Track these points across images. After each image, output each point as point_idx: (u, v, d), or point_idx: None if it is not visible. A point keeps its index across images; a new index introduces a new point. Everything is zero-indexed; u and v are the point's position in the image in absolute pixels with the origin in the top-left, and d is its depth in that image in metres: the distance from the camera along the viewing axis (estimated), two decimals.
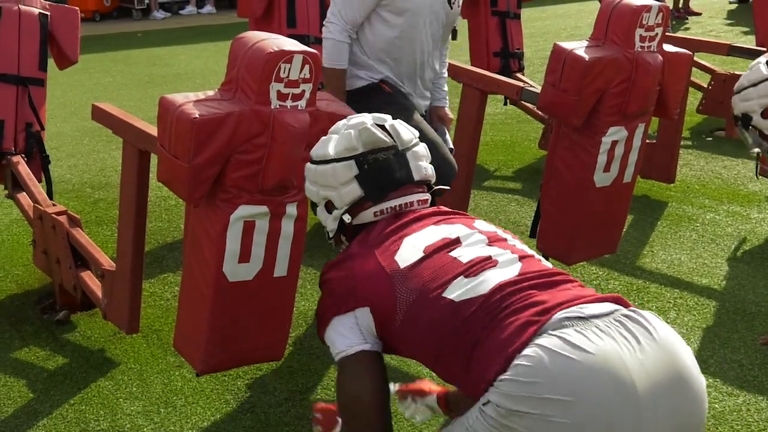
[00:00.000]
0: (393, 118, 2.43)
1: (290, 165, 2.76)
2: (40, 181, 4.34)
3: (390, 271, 2.06)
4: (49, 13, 4.46)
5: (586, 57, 3.56)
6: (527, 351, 1.78)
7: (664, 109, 3.92)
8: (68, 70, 4.79)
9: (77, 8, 4.70)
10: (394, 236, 2.15)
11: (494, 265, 2.01)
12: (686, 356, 1.84)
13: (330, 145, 2.30)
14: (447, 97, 3.87)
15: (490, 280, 1.96)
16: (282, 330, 3.09)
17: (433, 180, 2.39)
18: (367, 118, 2.35)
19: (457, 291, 1.96)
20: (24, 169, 4.26)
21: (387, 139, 2.29)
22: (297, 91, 2.76)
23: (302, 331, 3.80)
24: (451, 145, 3.83)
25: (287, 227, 2.88)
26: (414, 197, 2.28)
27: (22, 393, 3.39)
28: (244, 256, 2.86)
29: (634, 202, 5.30)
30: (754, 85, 3.55)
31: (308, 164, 2.36)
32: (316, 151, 2.35)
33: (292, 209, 2.86)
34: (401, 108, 3.47)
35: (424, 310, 1.99)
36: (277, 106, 2.73)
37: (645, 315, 1.87)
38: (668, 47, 3.83)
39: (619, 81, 3.63)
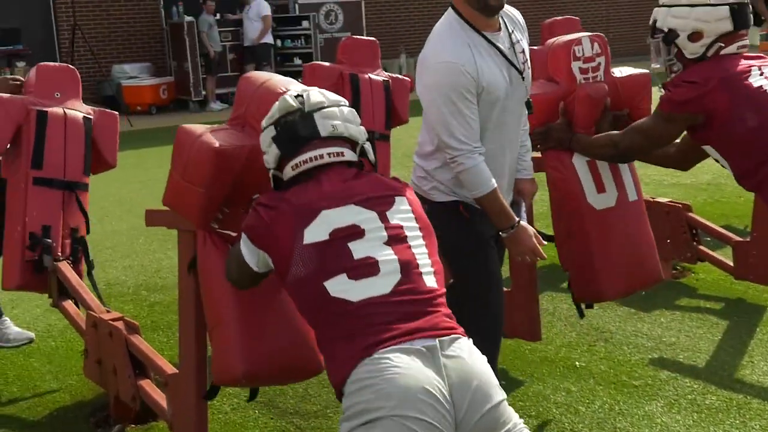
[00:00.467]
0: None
1: None
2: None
3: (295, 243, 2.53)
4: (92, 117, 4.54)
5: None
6: (350, 383, 2.36)
7: None
8: (125, 164, 4.85)
9: (116, 113, 4.77)
10: (317, 203, 2.57)
11: (375, 274, 2.47)
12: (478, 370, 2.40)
13: (264, 119, 2.82)
14: (531, 169, 3.70)
15: (364, 291, 2.45)
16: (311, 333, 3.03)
17: (359, 136, 2.78)
18: (291, 93, 2.83)
19: (336, 287, 2.46)
20: (72, 275, 4.28)
21: (295, 104, 2.75)
22: None
23: None
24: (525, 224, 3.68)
25: None
26: (323, 150, 2.70)
27: None
28: None
29: (729, 307, 5.17)
30: (692, 5, 3.57)
31: None
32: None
33: None
34: (478, 237, 3.38)
35: (307, 287, 2.51)
36: None
37: (455, 346, 2.41)
38: (625, 71, 4.04)
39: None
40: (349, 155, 2.74)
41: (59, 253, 4.36)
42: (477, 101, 3.26)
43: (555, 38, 4.01)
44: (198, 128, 3.08)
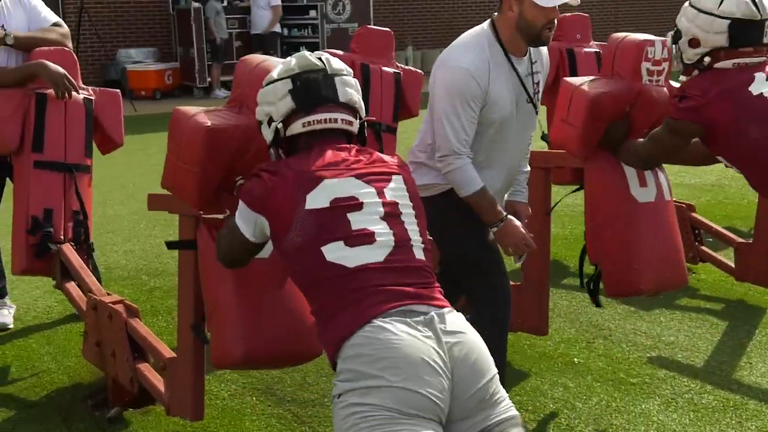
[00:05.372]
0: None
1: None
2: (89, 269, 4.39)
3: (296, 208, 2.57)
4: (93, 98, 4.57)
5: (590, 92, 3.84)
6: (347, 347, 2.42)
7: None
8: (128, 149, 4.88)
9: (118, 91, 4.82)
10: (319, 172, 2.61)
11: (370, 243, 2.54)
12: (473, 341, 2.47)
13: (275, 71, 2.82)
14: (527, 193, 3.92)
15: (359, 257, 2.51)
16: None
17: (362, 111, 2.84)
18: (308, 52, 2.86)
19: (333, 253, 2.51)
20: (75, 257, 4.31)
21: (318, 63, 2.77)
22: None
23: None
24: None
25: None
26: (338, 115, 2.74)
27: None
28: None
29: (729, 308, 5.20)
30: (699, 11, 3.59)
31: (260, 90, 2.86)
32: (265, 79, 2.86)
33: None
34: (474, 220, 3.54)
35: (304, 252, 2.55)
36: None
37: (447, 318, 2.47)
38: (676, 84, 4.02)
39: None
40: (356, 127, 2.79)
41: (61, 236, 4.40)
42: (478, 113, 3.50)
43: (624, 34, 4.03)
44: (192, 109, 3.16)
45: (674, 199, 5.57)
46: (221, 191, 3.14)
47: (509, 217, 3.48)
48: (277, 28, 15.74)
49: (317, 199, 2.57)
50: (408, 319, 2.42)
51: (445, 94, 3.49)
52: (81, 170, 4.51)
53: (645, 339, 4.76)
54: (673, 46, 3.73)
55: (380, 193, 2.63)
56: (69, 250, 4.37)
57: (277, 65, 2.94)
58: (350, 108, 2.78)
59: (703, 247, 5.55)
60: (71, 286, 4.37)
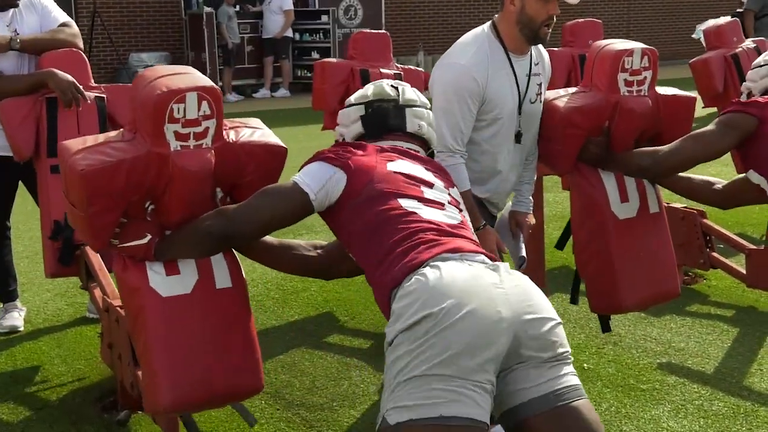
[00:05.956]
0: None
1: (193, 205, 2.83)
2: (110, 271, 4.39)
3: (376, 168, 2.70)
4: (105, 95, 4.55)
5: (561, 106, 3.72)
6: (406, 286, 2.44)
7: None
8: None
9: (130, 85, 4.79)
10: (396, 155, 2.80)
11: (441, 209, 2.68)
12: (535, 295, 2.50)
13: (353, 95, 3.00)
14: (530, 203, 3.91)
15: (431, 214, 2.63)
16: (248, 350, 2.96)
17: (433, 143, 3.02)
18: (387, 81, 3.02)
19: (409, 203, 2.63)
20: (96, 259, 4.31)
21: (392, 93, 2.94)
22: (199, 129, 2.81)
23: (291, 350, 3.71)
24: (523, 253, 3.82)
25: None
26: (405, 144, 2.90)
27: None
28: (171, 269, 2.85)
29: (740, 314, 5.18)
30: (760, 65, 4.07)
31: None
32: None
33: None
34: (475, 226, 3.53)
35: (380, 200, 2.63)
36: (178, 148, 2.77)
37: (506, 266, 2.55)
38: (670, 90, 3.93)
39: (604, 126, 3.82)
40: (422, 153, 2.97)
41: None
42: (477, 111, 3.49)
43: (606, 42, 3.87)
44: (75, 144, 2.82)
45: (686, 205, 5.61)
46: (132, 220, 2.88)
47: (487, 227, 3.45)
48: (289, 33, 15.78)
49: (397, 167, 2.74)
50: (466, 261, 2.47)
51: (443, 92, 3.50)
52: None
53: (655, 345, 4.75)
54: None
55: (447, 188, 2.83)
56: (91, 251, 4.37)
57: (164, 84, 2.77)
58: (417, 138, 2.96)
59: (714, 254, 5.52)
60: (95, 287, 4.37)
